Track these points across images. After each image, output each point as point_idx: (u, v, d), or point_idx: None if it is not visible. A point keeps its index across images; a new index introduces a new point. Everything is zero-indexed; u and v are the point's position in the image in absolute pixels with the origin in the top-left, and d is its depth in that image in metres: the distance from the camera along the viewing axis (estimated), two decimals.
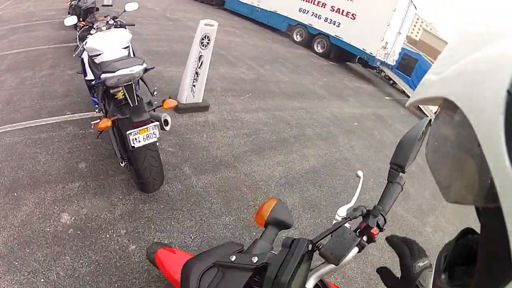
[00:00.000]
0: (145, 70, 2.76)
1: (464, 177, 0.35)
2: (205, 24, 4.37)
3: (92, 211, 2.87)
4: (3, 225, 2.68)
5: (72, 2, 7.69)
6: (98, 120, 2.58)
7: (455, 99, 0.35)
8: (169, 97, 2.92)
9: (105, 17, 3.59)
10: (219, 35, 10.88)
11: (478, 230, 0.40)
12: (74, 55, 3.73)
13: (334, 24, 14.05)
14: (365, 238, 1.00)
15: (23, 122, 4.01)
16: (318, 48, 14.85)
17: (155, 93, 3.09)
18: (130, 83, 2.62)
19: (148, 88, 3.05)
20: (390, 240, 0.89)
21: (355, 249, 0.97)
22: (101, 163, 3.43)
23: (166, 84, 5.73)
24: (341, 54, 14.37)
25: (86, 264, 2.46)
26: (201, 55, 4.59)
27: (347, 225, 1.00)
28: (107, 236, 2.70)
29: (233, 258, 1.03)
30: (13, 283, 2.28)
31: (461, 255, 0.48)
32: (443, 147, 0.41)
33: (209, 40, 4.52)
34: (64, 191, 3.01)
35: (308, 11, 14.71)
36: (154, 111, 2.83)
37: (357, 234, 1.00)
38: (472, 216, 0.45)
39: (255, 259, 1.00)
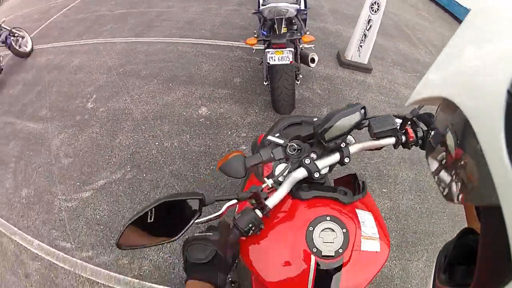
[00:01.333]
0: (298, 10, 3.07)
1: (464, 177, 0.35)
2: None
3: (227, 112, 3.32)
4: (148, 101, 3.50)
5: None
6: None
7: (454, 99, 0.35)
8: (308, 33, 3.19)
9: None
10: (409, 15, 10.25)
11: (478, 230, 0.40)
12: None
13: None
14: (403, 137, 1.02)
15: (198, 39, 4.77)
16: None
17: (307, 32, 3.34)
18: (280, 16, 2.97)
19: (302, 26, 3.33)
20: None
21: (392, 139, 0.99)
22: (253, 82, 3.85)
23: (335, 39, 5.88)
24: None
25: (199, 145, 2.98)
26: (370, 19, 4.58)
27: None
28: (229, 133, 3.11)
29: None
30: (131, 139, 3.06)
31: (461, 255, 0.49)
32: (443, 147, 0.42)
33: (378, 6, 4.48)
34: (212, 93, 3.55)
35: None
36: (294, 43, 3.16)
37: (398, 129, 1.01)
38: None
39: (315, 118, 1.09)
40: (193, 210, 0.84)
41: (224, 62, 4.17)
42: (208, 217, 0.89)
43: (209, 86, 3.67)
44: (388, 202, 2.81)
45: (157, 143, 3.07)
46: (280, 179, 0.96)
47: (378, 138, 1.01)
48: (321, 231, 0.86)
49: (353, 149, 0.99)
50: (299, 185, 0.96)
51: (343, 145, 0.97)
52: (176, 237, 0.85)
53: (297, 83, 3.43)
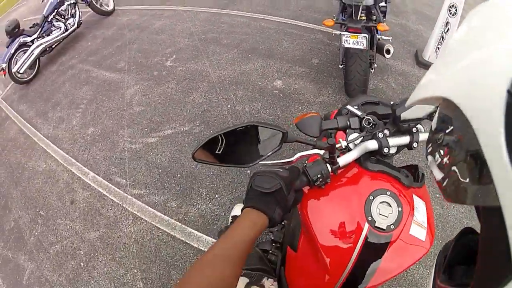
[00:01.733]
0: (376, 0, 3.17)
1: (464, 177, 0.35)
2: None
3: (301, 88, 3.33)
4: (226, 68, 3.62)
5: None
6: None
7: (454, 98, 0.35)
8: (385, 23, 3.24)
9: None
10: None
11: (478, 229, 0.40)
12: None
13: None
14: None
15: (280, 18, 4.83)
16: None
17: (384, 19, 3.38)
18: (358, 3, 3.05)
19: (379, 16, 3.36)
20: None
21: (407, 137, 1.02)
22: (330, 65, 3.85)
23: (415, 38, 5.75)
24: None
25: (269, 114, 3.02)
26: (447, 22, 4.49)
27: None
28: (299, 108, 3.13)
29: None
30: (204, 98, 3.21)
31: (461, 255, 0.49)
32: (443, 146, 0.42)
33: (456, 9, 4.37)
34: (288, 68, 3.57)
35: None
36: (371, 30, 3.24)
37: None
38: None
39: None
40: (273, 143, 0.90)
41: (305, 42, 4.24)
42: (280, 161, 0.96)
43: (287, 62, 3.72)
44: (439, 208, 2.78)
45: (229, 106, 3.18)
46: (351, 146, 1.01)
47: None
48: (380, 203, 0.91)
49: (422, 136, 1.02)
50: (367, 157, 1.01)
51: (414, 130, 1.02)
52: (251, 164, 0.90)
53: (371, 71, 3.46)
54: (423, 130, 1.08)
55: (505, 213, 0.29)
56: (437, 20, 4.70)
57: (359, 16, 3.21)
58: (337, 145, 0.98)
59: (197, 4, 5.63)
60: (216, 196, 2.55)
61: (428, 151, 0.48)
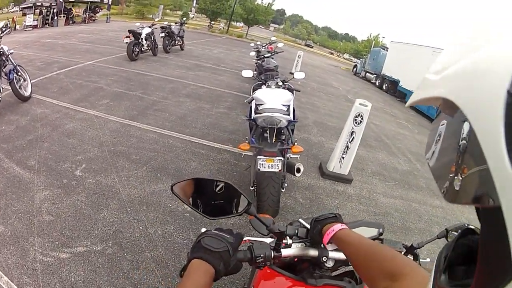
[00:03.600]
0: (289, 121, 3.37)
1: (464, 177, 0.35)
2: (360, 104, 4.78)
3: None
4: (136, 186, 3.86)
5: (258, 61, 9.07)
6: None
7: (454, 99, 0.36)
8: (297, 144, 3.44)
9: (276, 78, 4.54)
10: (390, 126, 10.94)
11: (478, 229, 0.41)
12: (245, 101, 4.68)
13: None
14: None
15: (188, 136, 5.24)
16: None
17: (295, 142, 3.62)
18: (273, 126, 3.25)
19: (290, 136, 3.58)
20: None
21: None
22: (239, 187, 3.99)
23: (318, 150, 6.20)
24: None
25: (183, 237, 3.20)
26: (353, 131, 4.94)
27: None
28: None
29: None
30: (115, 217, 3.34)
31: (461, 255, 0.48)
32: (443, 147, 0.42)
33: (362, 118, 4.86)
34: None
35: None
36: (283, 152, 3.46)
37: None
38: None
39: None
40: (237, 208, 1.07)
41: (212, 163, 4.42)
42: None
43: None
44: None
45: (141, 227, 3.23)
46: (294, 246, 1.19)
47: None
48: None
49: None
50: (311, 273, 1.16)
51: None
52: (214, 218, 1.10)
53: (282, 191, 3.57)
54: None
55: (505, 213, 0.28)
56: (343, 131, 5.12)
57: (273, 139, 3.35)
58: (284, 241, 1.16)
59: (108, 111, 5.88)
60: None
61: (428, 152, 0.47)
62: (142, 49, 11.08)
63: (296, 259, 1.31)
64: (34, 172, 3.89)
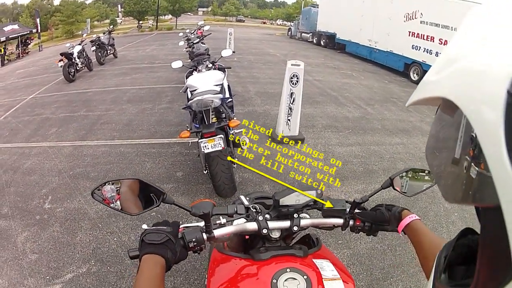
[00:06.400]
0: (222, 99, 3.46)
1: (464, 177, 0.35)
2: (292, 64, 4.92)
3: (174, 206, 3.50)
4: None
5: (189, 49, 9.02)
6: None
7: (454, 99, 0.36)
8: (235, 118, 3.55)
9: (204, 61, 4.61)
10: (334, 78, 11.21)
11: (478, 229, 0.41)
12: (181, 91, 4.74)
13: None
14: None
15: (137, 139, 5.35)
16: None
17: (234, 117, 3.77)
18: (207, 107, 3.34)
19: (229, 113, 3.69)
20: None
21: (340, 220, 1.23)
22: (194, 174, 4.19)
23: (265, 119, 6.34)
24: None
25: None
26: (292, 92, 5.08)
27: None
28: (180, 223, 3.30)
29: None
30: (90, 236, 3.40)
31: (461, 255, 0.49)
32: (443, 147, 0.42)
33: (298, 78, 5.01)
34: None
35: (420, 47, 13.27)
36: (225, 129, 3.62)
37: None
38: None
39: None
40: (154, 201, 1.11)
41: (165, 158, 4.51)
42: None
43: (154, 182, 3.86)
44: (346, 250, 3.02)
45: (115, 238, 3.32)
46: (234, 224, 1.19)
47: (326, 217, 1.23)
48: (284, 280, 0.98)
49: (303, 221, 1.17)
50: (258, 249, 1.15)
51: (295, 215, 1.16)
52: (135, 214, 1.13)
53: (234, 166, 3.69)
54: (308, 216, 1.24)
55: (505, 213, 0.29)
56: (282, 94, 5.21)
57: (210, 120, 3.44)
58: (217, 221, 1.18)
59: (59, 138, 5.89)
60: None
61: (429, 151, 0.48)
62: (77, 68, 10.94)
63: (247, 237, 1.31)
64: (9, 219, 3.91)
